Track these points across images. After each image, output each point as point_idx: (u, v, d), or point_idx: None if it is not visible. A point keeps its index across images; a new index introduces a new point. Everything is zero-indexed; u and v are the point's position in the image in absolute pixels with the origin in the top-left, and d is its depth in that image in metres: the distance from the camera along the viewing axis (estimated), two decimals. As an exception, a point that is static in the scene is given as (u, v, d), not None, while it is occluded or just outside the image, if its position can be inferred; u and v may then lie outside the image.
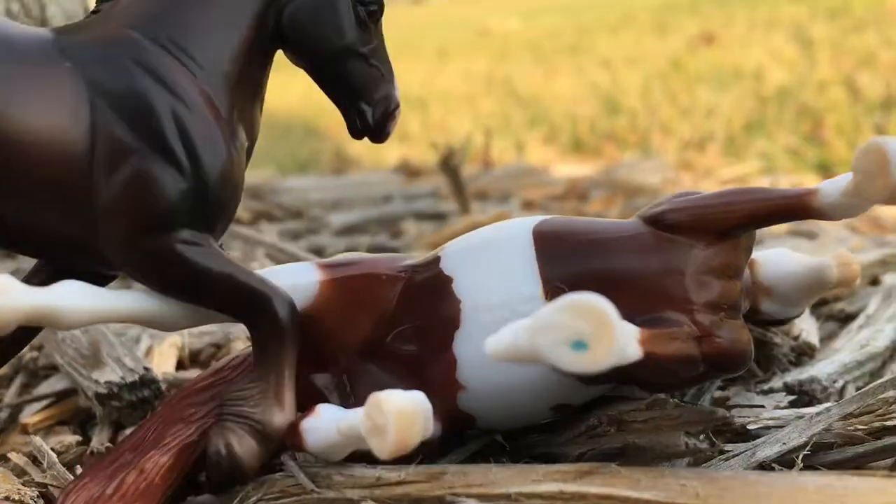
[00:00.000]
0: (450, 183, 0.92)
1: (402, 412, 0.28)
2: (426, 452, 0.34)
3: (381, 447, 0.28)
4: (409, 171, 1.18)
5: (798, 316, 0.39)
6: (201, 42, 0.32)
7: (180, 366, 0.50)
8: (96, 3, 0.34)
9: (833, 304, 0.53)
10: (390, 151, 1.63)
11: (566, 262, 0.34)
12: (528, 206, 0.95)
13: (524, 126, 1.73)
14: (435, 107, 2.03)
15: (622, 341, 0.25)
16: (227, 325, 0.51)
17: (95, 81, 0.31)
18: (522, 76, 2.24)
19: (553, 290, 0.33)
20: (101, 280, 0.34)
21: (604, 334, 0.25)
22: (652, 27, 2.62)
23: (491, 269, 0.34)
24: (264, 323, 0.32)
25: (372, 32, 0.35)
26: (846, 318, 0.51)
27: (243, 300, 0.32)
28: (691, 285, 0.32)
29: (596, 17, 3.18)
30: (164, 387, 0.45)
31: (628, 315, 0.31)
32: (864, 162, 0.29)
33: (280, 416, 0.32)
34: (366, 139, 0.36)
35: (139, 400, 0.44)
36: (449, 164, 0.90)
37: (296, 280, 0.35)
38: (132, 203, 0.31)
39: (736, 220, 0.33)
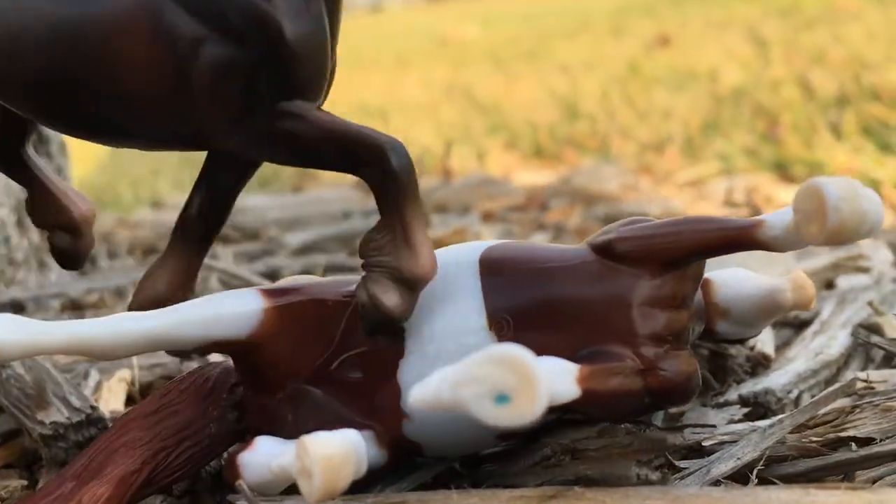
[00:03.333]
0: (408, 197, 0.91)
1: (327, 457, 0.27)
2: (376, 479, 0.34)
3: (308, 491, 0.28)
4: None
5: (754, 336, 0.39)
6: None
7: (130, 401, 0.49)
8: None
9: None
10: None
11: (511, 292, 0.33)
12: (488, 218, 0.94)
13: (485, 134, 1.73)
14: (396, 117, 2.02)
15: (546, 394, 0.25)
16: (178, 359, 0.50)
17: None
18: (482, 84, 2.24)
19: (498, 321, 0.33)
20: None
21: (527, 388, 0.24)
22: (608, 31, 2.63)
23: (436, 298, 0.34)
24: (378, 173, 0.31)
25: None
26: (801, 325, 0.51)
27: (352, 155, 0.31)
28: (636, 317, 0.32)
29: (553, 22, 3.20)
30: (111, 423, 0.44)
31: (572, 348, 0.30)
32: (803, 203, 0.29)
33: (413, 260, 0.31)
34: None
35: (86, 440, 0.43)
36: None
37: (240, 308, 0.34)
38: (218, 92, 0.31)
39: (683, 251, 0.32)
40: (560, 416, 0.34)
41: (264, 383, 0.35)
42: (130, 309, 0.37)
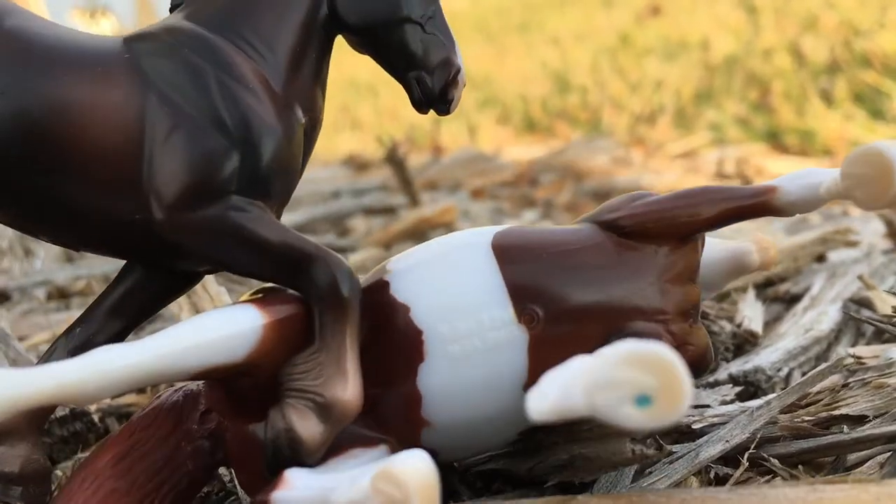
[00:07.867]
0: (397, 177, 0.90)
1: (425, 485, 0.24)
2: None
3: None
4: (357, 164, 1.16)
5: (711, 297, 0.39)
6: (256, 28, 0.34)
7: (116, 392, 0.49)
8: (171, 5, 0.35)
9: (778, 285, 0.52)
10: (342, 141, 1.61)
11: (535, 281, 0.31)
12: (478, 195, 0.94)
13: (476, 108, 1.72)
14: (385, 93, 2.01)
15: (691, 390, 0.23)
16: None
17: (149, 65, 0.32)
18: (473, 57, 2.22)
19: (527, 312, 0.31)
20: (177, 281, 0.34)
21: (671, 386, 0.22)
22: (599, 1, 2.61)
23: (453, 292, 0.32)
24: (322, 291, 0.30)
25: (428, 1, 0.36)
26: (791, 300, 0.51)
27: (298, 266, 0.31)
28: (661, 294, 0.31)
29: (544, -8, 3.16)
30: (97, 417, 0.44)
31: (605, 331, 0.30)
32: (858, 167, 0.28)
33: (343, 388, 0.30)
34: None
35: (71, 434, 0.42)
36: (394, 158, 0.89)
37: (237, 327, 0.30)
38: (184, 171, 0.31)
39: (701, 224, 0.32)
40: None
41: (252, 408, 0.31)
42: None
